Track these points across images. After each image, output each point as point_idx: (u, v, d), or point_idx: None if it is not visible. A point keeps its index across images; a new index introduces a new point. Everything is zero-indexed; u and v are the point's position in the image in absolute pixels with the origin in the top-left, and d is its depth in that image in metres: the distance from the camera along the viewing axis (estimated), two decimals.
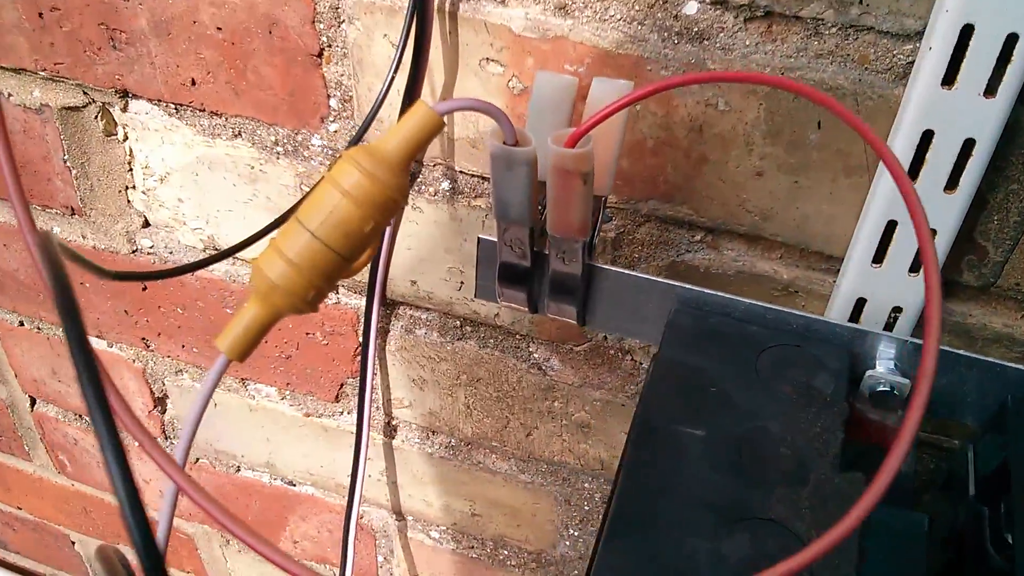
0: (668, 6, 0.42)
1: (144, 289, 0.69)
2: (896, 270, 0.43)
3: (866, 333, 0.39)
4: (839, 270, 0.47)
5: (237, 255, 0.63)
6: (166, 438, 0.82)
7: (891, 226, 0.42)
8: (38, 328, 0.78)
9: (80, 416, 0.85)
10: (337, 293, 0.63)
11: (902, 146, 0.40)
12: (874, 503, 0.23)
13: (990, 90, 0.38)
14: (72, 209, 0.66)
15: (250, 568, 0.93)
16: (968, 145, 0.39)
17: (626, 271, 0.41)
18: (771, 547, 0.32)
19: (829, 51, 0.41)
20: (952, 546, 0.38)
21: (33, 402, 0.87)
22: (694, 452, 0.34)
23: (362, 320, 0.63)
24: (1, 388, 0.88)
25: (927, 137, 0.39)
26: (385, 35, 0.48)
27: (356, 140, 0.50)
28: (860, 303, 0.45)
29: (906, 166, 0.41)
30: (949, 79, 0.38)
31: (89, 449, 0.88)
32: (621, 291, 0.41)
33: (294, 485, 0.80)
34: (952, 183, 0.40)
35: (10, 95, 0.61)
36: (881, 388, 0.38)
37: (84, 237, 0.68)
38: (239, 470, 0.81)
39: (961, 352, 0.38)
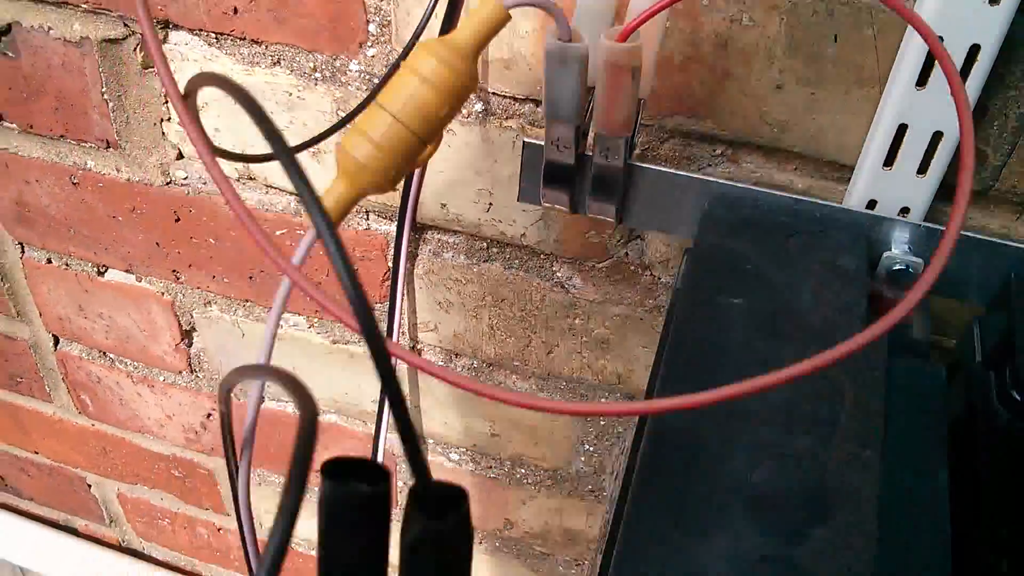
0: None
1: (177, 221, 0.71)
2: (905, 171, 0.47)
3: (883, 219, 0.43)
4: (850, 179, 0.51)
5: (273, 184, 0.66)
6: (192, 371, 0.85)
7: (901, 130, 0.46)
8: (66, 264, 0.80)
9: (104, 353, 0.88)
10: (368, 219, 0.66)
11: (914, 52, 0.44)
12: (908, 310, 0.26)
13: None
14: (107, 142, 0.69)
15: (265, 500, 0.97)
16: (974, 50, 0.43)
17: (664, 168, 0.44)
18: (807, 389, 0.36)
19: None
20: (963, 409, 0.42)
21: (56, 342, 0.90)
22: (735, 317, 0.38)
23: (392, 245, 0.66)
24: (25, 328, 0.90)
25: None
26: None
27: (392, 69, 0.53)
28: (871, 205, 0.49)
29: (915, 73, 0.45)
30: None
31: (112, 387, 0.91)
32: (658, 188, 0.45)
33: (319, 414, 0.83)
34: None
35: (50, 29, 0.63)
36: (897, 267, 0.42)
37: (118, 170, 0.70)
38: (264, 401, 0.85)
39: (967, 233, 0.42)
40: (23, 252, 0.82)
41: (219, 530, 1.05)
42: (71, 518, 1.17)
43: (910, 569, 0.32)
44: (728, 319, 0.38)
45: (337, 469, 0.24)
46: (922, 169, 0.47)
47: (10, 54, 0.66)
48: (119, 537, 1.15)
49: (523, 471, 0.80)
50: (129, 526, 1.12)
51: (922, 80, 0.45)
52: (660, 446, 0.35)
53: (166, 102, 0.65)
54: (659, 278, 0.61)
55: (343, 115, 0.60)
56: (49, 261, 0.81)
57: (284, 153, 0.24)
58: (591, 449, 0.75)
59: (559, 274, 0.64)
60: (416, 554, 0.24)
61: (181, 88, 0.30)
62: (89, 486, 1.09)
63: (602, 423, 0.73)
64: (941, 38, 0.43)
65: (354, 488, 0.24)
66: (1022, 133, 0.47)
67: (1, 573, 1.23)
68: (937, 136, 0.46)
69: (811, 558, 0.31)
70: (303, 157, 0.63)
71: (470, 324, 0.70)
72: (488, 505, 0.84)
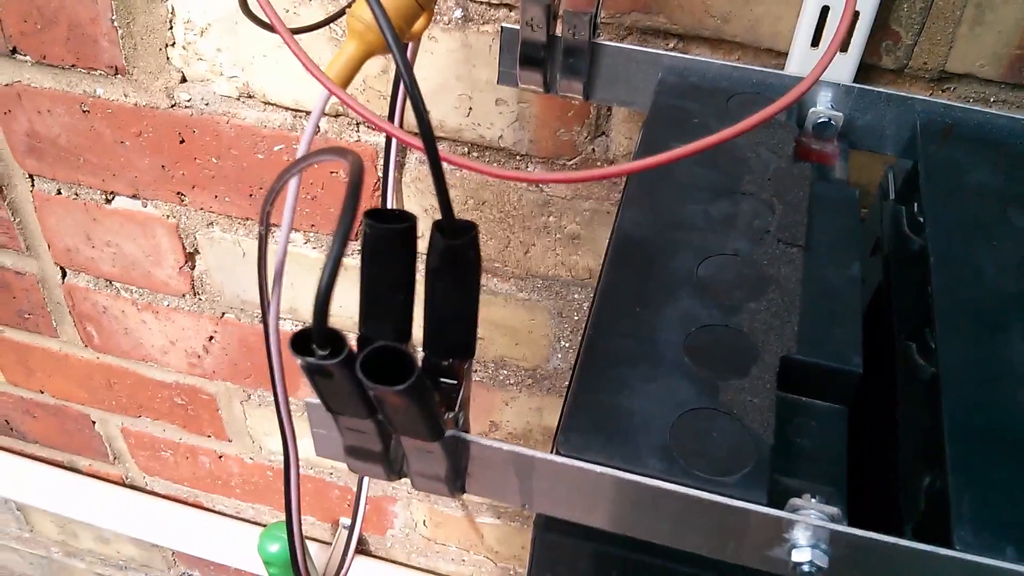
0: None
1: (182, 142, 0.78)
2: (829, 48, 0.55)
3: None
4: (785, 64, 0.58)
5: (270, 100, 0.73)
6: (195, 294, 0.91)
7: (824, 11, 0.54)
8: (75, 194, 0.86)
9: (110, 282, 0.94)
10: (359, 131, 0.73)
11: None
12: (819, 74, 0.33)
13: None
14: (116, 69, 0.75)
15: (265, 422, 1.03)
16: None
17: (622, 44, 0.52)
18: (745, 207, 0.43)
19: None
20: (879, 252, 0.50)
21: (64, 274, 0.95)
22: (684, 161, 0.45)
23: (381, 155, 0.73)
24: (33, 263, 0.96)
25: None
26: None
27: None
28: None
29: None
30: None
31: (117, 316, 0.97)
32: (618, 64, 0.52)
33: None
34: None
35: None
36: (821, 120, 0.50)
37: (126, 95, 0.76)
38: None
39: (880, 89, 0.50)
40: (33, 185, 0.87)
41: (220, 457, 1.11)
42: (75, 458, 1.22)
43: (828, 334, 0.39)
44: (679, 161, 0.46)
45: (376, 215, 0.31)
46: (844, 47, 0.55)
47: None
48: (122, 474, 1.21)
49: (505, 372, 0.87)
50: (133, 462, 1.18)
51: None
52: (623, 250, 0.42)
53: (170, 27, 0.71)
54: None
55: (336, 29, 0.66)
56: (59, 192, 0.87)
57: None
58: (567, 345, 0.82)
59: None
60: (439, 272, 0.31)
61: None
62: (93, 423, 1.15)
63: (576, 318, 0.80)
64: None
65: (391, 225, 0.31)
66: (929, 13, 0.55)
67: None
68: (855, 17, 0.53)
69: (746, 323, 0.39)
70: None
71: None
72: (474, 409, 0.91)
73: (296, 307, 0.88)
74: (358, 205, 0.28)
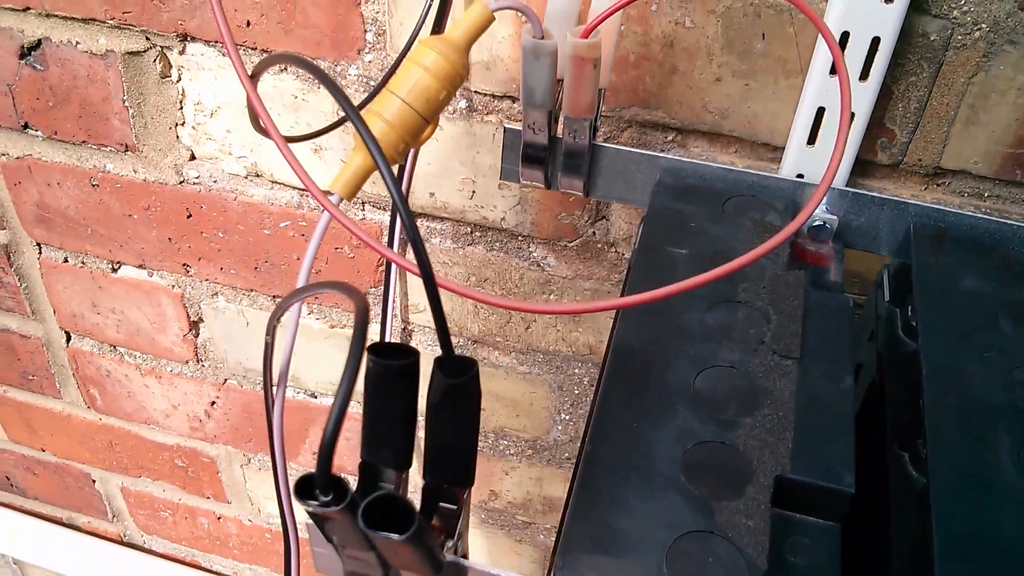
0: None
1: (189, 217, 0.79)
2: (825, 147, 0.56)
3: (804, 184, 0.52)
4: (781, 158, 0.60)
5: (278, 180, 0.74)
6: (198, 361, 0.92)
7: (820, 112, 0.55)
8: (82, 262, 0.87)
9: (115, 347, 0.95)
10: (364, 210, 0.74)
11: (826, 46, 0.53)
12: (792, 232, 0.35)
13: None
14: (126, 146, 0.76)
15: (264, 485, 1.03)
16: (875, 42, 0.52)
17: (621, 147, 0.53)
18: (741, 316, 0.44)
19: None
20: (874, 340, 0.50)
21: (69, 338, 0.96)
22: (680, 262, 0.46)
23: (386, 233, 0.74)
24: (38, 327, 0.97)
25: (844, 38, 0.52)
26: None
27: (393, 67, 0.61)
28: (800, 177, 0.57)
29: (829, 63, 0.53)
30: None
31: (120, 380, 0.98)
32: (617, 164, 0.53)
33: (315, 397, 0.91)
34: (864, 74, 0.53)
35: (78, 43, 0.71)
36: (816, 223, 0.51)
37: (135, 171, 0.78)
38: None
39: (874, 194, 0.51)
40: (40, 252, 0.89)
41: (219, 518, 1.11)
42: (74, 515, 1.23)
43: (821, 452, 0.40)
44: (674, 264, 0.47)
45: (379, 350, 0.32)
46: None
47: (38, 67, 0.74)
48: (120, 532, 1.21)
49: (506, 443, 0.87)
50: (131, 520, 1.18)
51: (835, 69, 0.54)
52: (622, 361, 0.43)
53: (180, 108, 0.73)
54: (623, 254, 0.70)
55: (342, 115, 0.68)
56: (66, 260, 0.88)
57: (351, 109, 0.32)
58: (567, 418, 0.83)
59: (535, 254, 0.72)
60: (439, 407, 0.32)
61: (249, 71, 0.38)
62: (94, 481, 1.15)
63: (576, 392, 0.81)
64: (848, 33, 0.52)
65: (393, 362, 0.32)
66: (923, 112, 0.56)
67: None
68: (851, 117, 0.55)
69: (741, 439, 0.40)
70: (305, 151, 0.71)
71: (456, 304, 0.77)
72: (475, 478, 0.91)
73: (298, 376, 0.89)
74: (363, 348, 0.29)
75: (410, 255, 0.37)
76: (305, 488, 0.27)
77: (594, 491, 0.37)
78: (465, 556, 0.34)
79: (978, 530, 0.37)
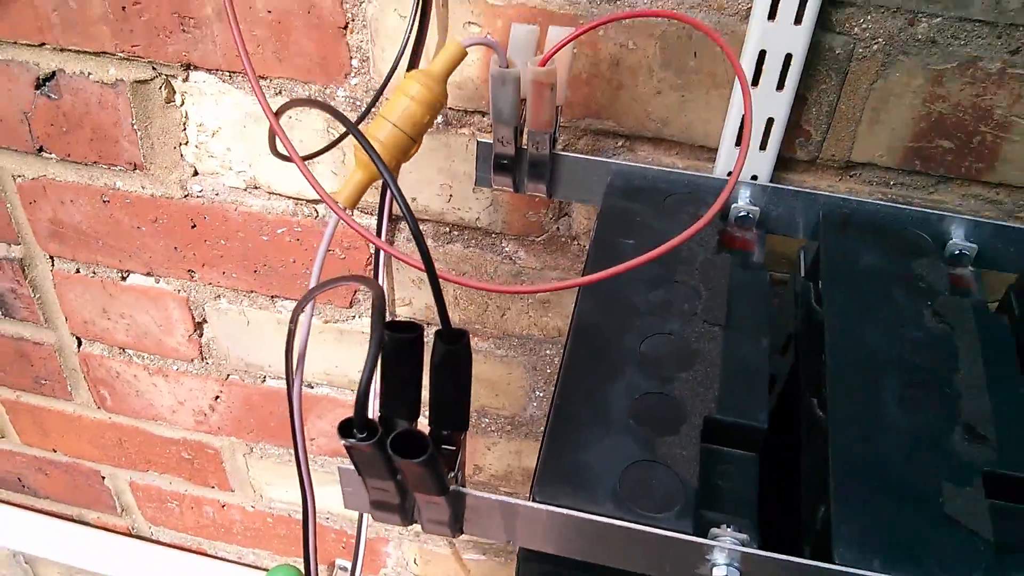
0: None
1: (193, 227, 0.87)
2: (751, 148, 0.66)
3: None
4: (715, 157, 0.69)
5: (274, 191, 0.83)
6: (202, 359, 1.00)
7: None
8: (93, 272, 0.95)
9: (123, 350, 1.03)
10: (352, 215, 0.83)
11: (747, 63, 0.62)
12: (709, 218, 0.44)
13: (798, 19, 0.60)
14: (135, 165, 0.84)
15: (266, 472, 1.12)
16: (788, 58, 0.62)
17: (578, 155, 0.62)
18: (678, 293, 0.54)
19: (698, 3, 0.63)
20: (792, 308, 0.60)
21: (80, 343, 1.04)
22: (628, 251, 0.56)
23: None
24: (50, 334, 1.04)
25: (762, 56, 0.62)
26: (395, 9, 0.68)
27: (380, 91, 0.70)
28: (729, 175, 0.67)
29: (750, 76, 0.63)
30: (772, 15, 0.60)
31: (129, 380, 1.06)
32: (575, 170, 0.63)
33: (312, 387, 0.99)
34: (780, 84, 0.63)
35: (89, 74, 0.79)
36: (742, 214, 0.60)
37: (143, 187, 0.86)
38: (265, 380, 1.00)
39: (789, 187, 0.61)
40: (53, 265, 0.97)
41: (223, 506, 1.20)
42: (84, 512, 1.30)
43: (741, 398, 0.49)
44: (624, 253, 0.56)
45: (391, 326, 0.41)
46: (763, 146, 0.66)
47: (52, 96, 0.82)
48: (129, 525, 1.29)
49: (487, 420, 0.96)
50: (139, 513, 1.26)
51: (755, 81, 0.63)
52: (582, 333, 0.52)
53: (184, 129, 0.81)
54: (584, 246, 0.79)
55: (332, 132, 0.77)
56: (77, 271, 0.96)
57: (363, 140, 0.41)
58: (541, 395, 0.92)
59: (507, 249, 0.81)
60: (440, 368, 0.41)
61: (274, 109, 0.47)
62: (103, 478, 1.23)
63: (548, 371, 0.90)
64: (764, 51, 0.62)
65: (404, 335, 0.41)
66: (834, 115, 0.66)
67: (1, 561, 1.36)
68: (770, 122, 0.64)
69: (677, 390, 0.49)
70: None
71: None
72: None
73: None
74: (383, 325, 0.38)
75: (405, 252, 0.46)
76: (346, 429, 0.36)
77: (562, 434, 0.46)
78: (464, 486, 0.43)
79: (866, 456, 0.47)
